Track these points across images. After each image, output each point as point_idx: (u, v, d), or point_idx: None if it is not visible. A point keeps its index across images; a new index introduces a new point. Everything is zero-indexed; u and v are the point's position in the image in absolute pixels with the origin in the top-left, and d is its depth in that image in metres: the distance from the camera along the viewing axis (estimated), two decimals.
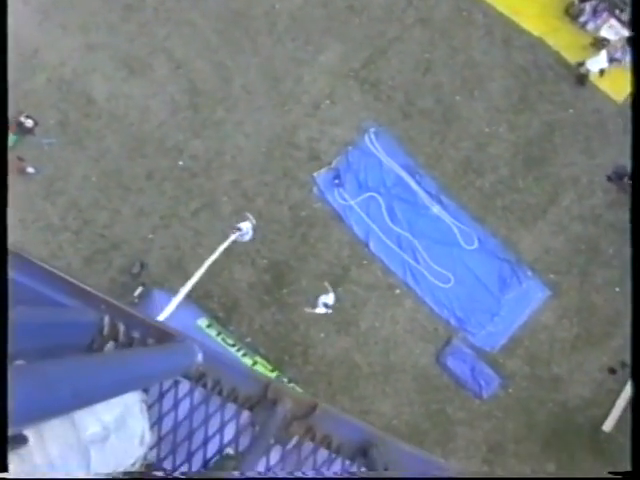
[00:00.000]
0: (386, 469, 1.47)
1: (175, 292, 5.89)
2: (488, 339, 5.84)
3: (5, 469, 0.72)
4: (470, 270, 5.85)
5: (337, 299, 5.87)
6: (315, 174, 5.94)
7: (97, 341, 1.33)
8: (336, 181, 5.90)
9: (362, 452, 1.51)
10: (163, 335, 1.42)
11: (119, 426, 1.22)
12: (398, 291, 5.88)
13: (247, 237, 5.52)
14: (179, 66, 6.25)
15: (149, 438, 1.37)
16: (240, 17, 6.24)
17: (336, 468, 1.55)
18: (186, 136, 6.12)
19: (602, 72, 6.06)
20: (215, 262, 5.92)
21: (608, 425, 5.80)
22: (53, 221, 6.22)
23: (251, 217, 5.65)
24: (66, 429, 1.04)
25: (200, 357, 1.42)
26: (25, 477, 0.80)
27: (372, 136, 5.94)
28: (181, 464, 1.52)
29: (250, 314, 5.89)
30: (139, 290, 5.94)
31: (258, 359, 5.54)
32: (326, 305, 5.63)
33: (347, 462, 1.53)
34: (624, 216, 6.04)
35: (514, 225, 5.92)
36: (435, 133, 5.98)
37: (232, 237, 5.25)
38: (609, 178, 6.04)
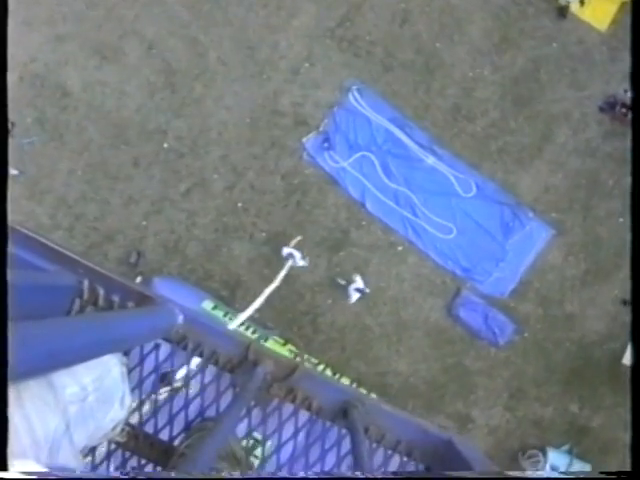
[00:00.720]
0: (367, 430, 1.49)
1: (174, 276, 5.80)
2: (497, 285, 5.75)
3: (5, 469, 0.71)
4: (471, 218, 5.75)
5: (339, 263, 5.78)
6: (304, 140, 5.81)
7: (76, 305, 1.31)
8: (326, 144, 5.77)
9: (343, 413, 1.52)
10: (143, 298, 1.40)
11: (97, 387, 1.20)
12: (400, 248, 5.78)
13: (302, 262, 5.41)
14: (151, 47, 6.08)
15: (130, 401, 1.37)
16: None
17: (317, 429, 1.57)
18: (167, 117, 5.97)
19: (582, 2, 5.92)
20: (212, 240, 5.82)
21: (627, 358, 5.74)
22: (43, 221, 6.09)
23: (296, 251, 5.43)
24: (44, 389, 1.02)
25: (180, 319, 1.41)
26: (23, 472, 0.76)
27: (356, 94, 5.80)
28: (163, 427, 1.54)
29: (254, 289, 5.78)
30: (138, 279, 5.83)
31: (270, 336, 5.44)
32: (359, 290, 5.51)
33: (328, 423, 1.55)
34: (621, 145, 5.94)
35: (511, 167, 5.81)
36: (419, 83, 5.84)
37: (288, 264, 5.17)
38: (601, 109, 5.93)
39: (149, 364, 1.50)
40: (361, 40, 5.89)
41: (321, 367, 5.35)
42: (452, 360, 5.74)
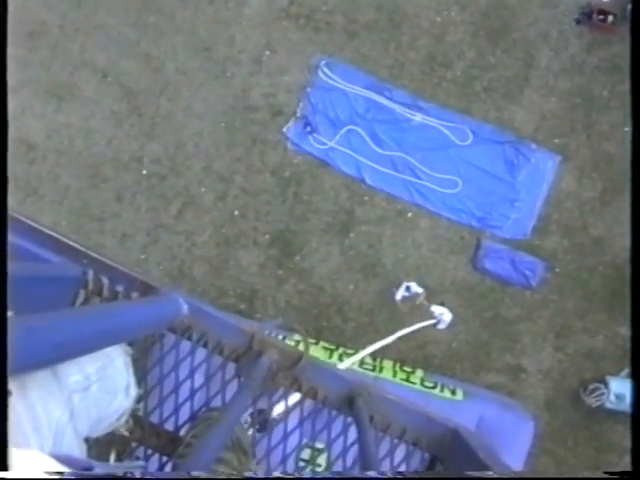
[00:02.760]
0: (372, 419, 1.48)
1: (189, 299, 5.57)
2: (516, 227, 5.53)
3: (5, 469, 0.66)
4: (474, 166, 5.51)
5: (352, 246, 5.56)
6: (284, 129, 5.56)
7: (81, 296, 1.31)
8: (308, 128, 5.52)
9: (348, 402, 1.51)
10: (147, 288, 1.41)
11: (101, 377, 1.20)
12: (410, 214, 5.55)
13: (443, 325, 5.20)
14: (105, 75, 5.81)
15: (135, 391, 1.37)
16: (148, 1, 5.78)
17: (323, 418, 1.57)
18: (140, 142, 5.72)
19: None
20: (217, 255, 5.60)
21: None
22: None
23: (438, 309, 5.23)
24: (48, 377, 1.02)
25: (185, 309, 1.42)
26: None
27: (326, 69, 5.53)
28: (168, 417, 1.55)
29: (271, 294, 5.57)
30: None
31: (304, 339, 5.22)
32: (408, 289, 5.26)
33: (334, 413, 1.54)
34: (606, 54, 5.67)
35: (501, 103, 5.55)
36: (388, 42, 5.57)
37: (425, 323, 4.96)
38: (578, 21, 5.65)
39: (154, 354, 1.50)
40: (318, 12, 5.61)
41: (358, 356, 5.12)
42: (489, 314, 5.54)
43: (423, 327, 4.97)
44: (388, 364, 5.25)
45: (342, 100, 5.52)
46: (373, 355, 5.30)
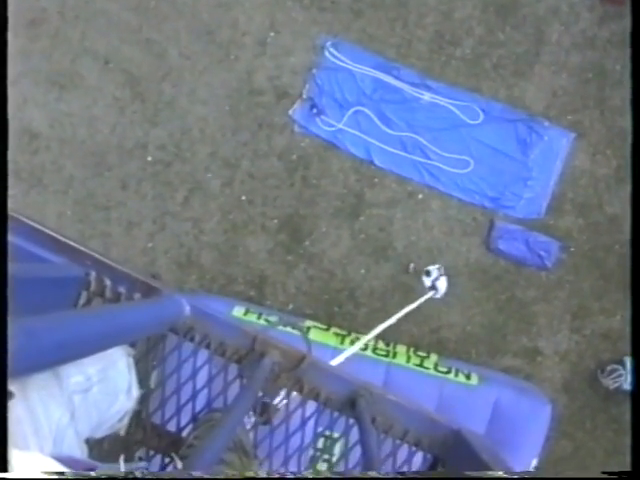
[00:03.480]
0: (374, 420, 1.47)
1: (195, 291, 5.49)
2: (530, 207, 5.41)
3: (5, 469, 0.65)
4: (485, 145, 5.39)
5: (362, 229, 5.45)
6: (290, 112, 5.45)
7: (83, 297, 1.31)
8: (314, 110, 5.40)
9: (350, 403, 1.51)
10: (149, 289, 1.39)
11: (102, 378, 1.19)
12: (421, 196, 5.43)
13: (439, 294, 5.10)
14: (107, 61, 5.71)
15: (136, 392, 1.36)
16: None
17: (324, 419, 1.57)
18: (144, 129, 5.62)
19: None
20: (225, 242, 5.50)
21: None
22: None
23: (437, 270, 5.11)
24: (48, 379, 1.01)
25: (188, 310, 1.41)
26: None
27: (331, 49, 5.41)
28: (170, 418, 1.57)
29: (281, 281, 5.47)
30: None
31: (312, 324, 5.13)
32: (434, 280, 5.18)
33: (336, 414, 1.54)
34: (618, 28, 5.54)
35: (512, 81, 5.43)
36: (394, 20, 5.44)
37: (425, 297, 4.92)
38: None
39: (156, 356, 1.50)
40: None
41: (372, 343, 5.02)
42: (504, 296, 5.43)
43: (425, 301, 4.85)
44: (402, 349, 5.16)
45: (349, 81, 5.40)
46: (387, 341, 5.21)
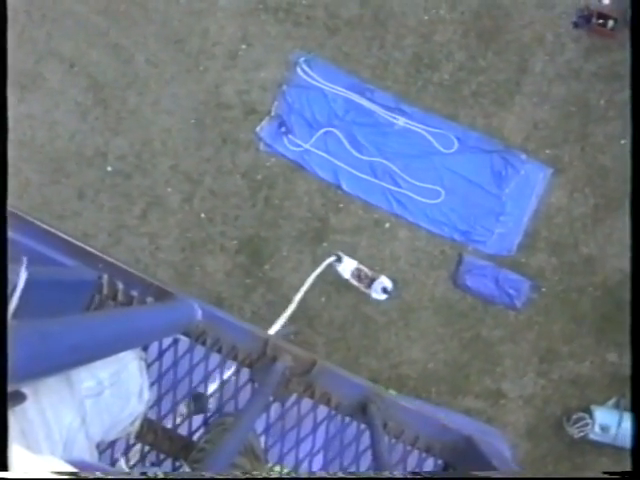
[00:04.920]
0: (385, 425, 1.48)
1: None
2: (501, 243, 5.17)
3: (5, 469, 0.64)
4: (458, 175, 5.16)
5: (325, 256, 5.20)
6: (257, 129, 5.22)
7: (96, 300, 1.31)
8: (282, 129, 5.17)
9: (361, 409, 1.51)
10: (162, 293, 1.40)
11: (114, 382, 1.19)
12: (388, 225, 5.20)
13: (345, 272, 4.72)
14: (72, 65, 5.48)
15: (148, 395, 1.36)
16: None
17: (335, 425, 1.57)
18: (105, 137, 5.39)
19: None
20: (182, 260, 5.27)
21: None
22: None
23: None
24: (60, 383, 0.99)
25: (200, 314, 1.41)
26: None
27: (304, 66, 5.19)
28: (181, 422, 1.55)
29: (238, 304, 5.24)
30: None
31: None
32: (385, 290, 4.83)
33: (347, 419, 1.55)
34: (605, 61, 5.31)
35: (491, 110, 5.20)
36: (372, 40, 5.22)
37: (327, 261, 4.53)
38: (576, 24, 5.28)
39: (168, 359, 1.49)
40: (298, 6, 5.26)
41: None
42: (469, 334, 5.19)
43: (326, 266, 4.50)
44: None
45: (320, 100, 5.17)
46: None
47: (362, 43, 5.22)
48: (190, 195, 5.26)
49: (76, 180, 5.37)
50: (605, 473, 0.89)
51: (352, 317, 5.20)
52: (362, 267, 4.87)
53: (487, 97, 5.20)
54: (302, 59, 5.18)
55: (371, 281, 4.99)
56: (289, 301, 5.21)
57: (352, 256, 5.14)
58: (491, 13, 5.25)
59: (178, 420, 1.61)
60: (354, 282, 4.93)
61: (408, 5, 5.19)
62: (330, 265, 5.08)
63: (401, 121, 5.13)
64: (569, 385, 5.27)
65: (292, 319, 5.15)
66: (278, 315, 5.10)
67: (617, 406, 5.27)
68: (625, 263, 5.27)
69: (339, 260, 4.81)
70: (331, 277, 5.19)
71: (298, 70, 5.18)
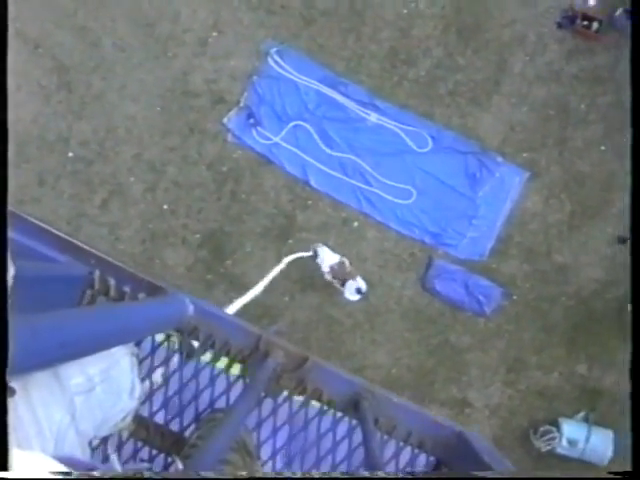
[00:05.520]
0: (377, 421, 1.48)
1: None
2: (473, 247, 5.01)
3: (5, 469, 0.64)
4: (431, 175, 4.98)
5: (290, 253, 5.03)
6: (225, 120, 5.03)
7: (87, 296, 1.31)
8: (251, 120, 4.99)
9: (353, 405, 1.51)
10: (154, 289, 1.40)
11: (105, 378, 1.18)
12: (356, 224, 5.03)
13: (324, 264, 4.53)
14: (37, 46, 5.28)
15: (140, 391, 1.36)
16: None
17: (327, 421, 1.57)
18: (68, 122, 5.19)
19: None
20: (142, 252, 5.08)
21: None
22: None
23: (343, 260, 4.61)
24: (50, 380, 1.00)
25: (192, 310, 1.40)
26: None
27: (276, 57, 5.00)
28: (173, 418, 1.56)
29: None
30: None
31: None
32: (359, 291, 4.67)
33: (338, 415, 1.55)
34: (588, 64, 5.15)
35: (467, 109, 5.02)
36: (347, 32, 5.03)
37: (298, 255, 4.36)
38: (559, 25, 5.11)
39: (159, 355, 1.50)
40: None
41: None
42: (436, 340, 5.03)
43: (301, 257, 4.37)
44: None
45: (291, 92, 4.99)
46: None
47: (337, 35, 5.04)
48: (153, 185, 5.07)
49: (37, 165, 5.18)
50: (610, 473, 0.88)
51: (316, 318, 5.02)
52: (345, 261, 4.71)
53: (464, 96, 5.03)
54: (274, 49, 5.00)
55: (344, 281, 4.84)
56: (252, 299, 5.04)
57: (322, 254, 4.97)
58: (472, 9, 5.07)
59: None
60: (329, 277, 4.77)
61: None
62: (300, 260, 4.92)
63: (374, 117, 4.96)
64: (537, 396, 5.11)
65: (254, 319, 4.97)
66: (239, 313, 4.93)
67: (586, 420, 5.11)
68: (600, 273, 5.11)
69: (315, 256, 4.64)
70: (295, 275, 5.02)
71: (270, 60, 4.99)
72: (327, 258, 4.63)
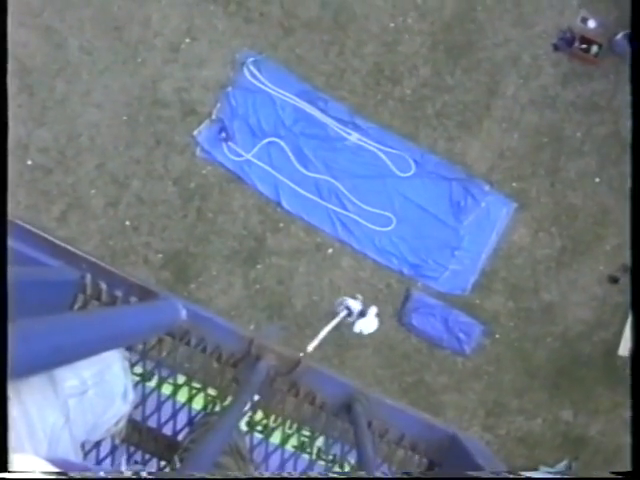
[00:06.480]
0: (370, 424, 1.49)
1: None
2: (455, 281, 4.68)
3: (5, 469, 0.66)
4: (413, 202, 4.66)
5: (258, 279, 4.69)
6: (195, 132, 4.70)
7: (79, 301, 1.31)
8: (222, 134, 4.66)
9: (346, 407, 1.51)
10: (146, 293, 1.40)
11: (97, 382, 1.18)
12: (331, 250, 4.69)
13: (355, 323, 3.98)
14: None
15: (133, 396, 1.37)
16: None
17: (319, 424, 1.59)
18: (28, 128, 4.86)
19: None
20: None
21: (624, 347, 4.68)
22: None
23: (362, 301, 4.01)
24: (43, 382, 0.99)
25: (184, 314, 1.38)
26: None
27: (252, 68, 4.67)
28: (166, 422, 1.58)
29: None
30: None
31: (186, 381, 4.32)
32: (362, 314, 4.10)
33: (331, 418, 1.56)
34: (584, 89, 4.84)
35: (454, 133, 4.70)
36: (330, 44, 4.71)
37: (337, 319, 3.80)
38: (556, 47, 4.80)
39: (152, 359, 1.51)
40: (252, 0, 4.75)
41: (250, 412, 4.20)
42: (411, 379, 4.69)
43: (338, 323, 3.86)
44: (287, 422, 4.37)
45: (267, 106, 4.66)
46: (268, 411, 4.43)
47: (319, 47, 4.71)
48: (115, 199, 4.73)
49: None
50: (612, 473, 0.87)
51: None
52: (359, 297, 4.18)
53: (452, 119, 4.71)
54: (251, 59, 4.67)
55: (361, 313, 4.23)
56: None
57: (290, 282, 4.66)
58: (464, 27, 4.76)
59: None
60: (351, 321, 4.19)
61: (373, 9, 4.69)
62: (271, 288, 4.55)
63: (354, 137, 4.63)
64: (517, 443, 4.78)
65: None
66: None
67: (569, 469, 4.78)
68: (588, 313, 4.79)
69: (348, 314, 4.07)
70: (263, 303, 4.69)
71: (245, 71, 4.67)
72: (355, 306, 4.06)
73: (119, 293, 1.37)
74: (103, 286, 1.35)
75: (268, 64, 4.69)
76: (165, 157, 4.71)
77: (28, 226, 1.29)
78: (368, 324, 4.11)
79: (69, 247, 1.34)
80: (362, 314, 4.17)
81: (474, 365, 4.66)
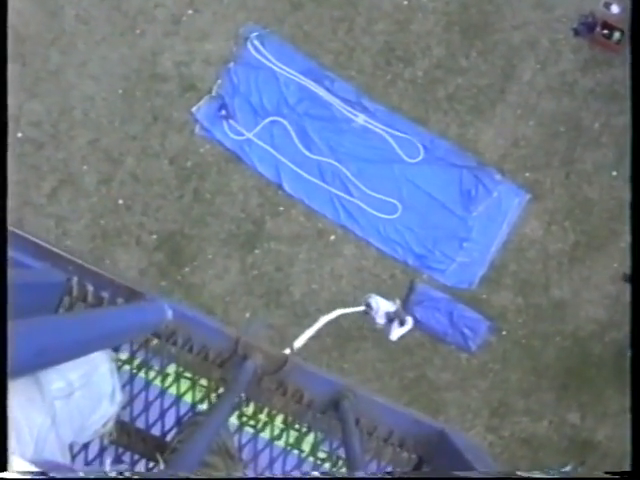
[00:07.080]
0: (358, 421, 1.50)
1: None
2: (462, 273, 4.46)
3: (5, 469, 0.67)
4: (421, 189, 4.44)
5: (256, 264, 4.48)
6: (194, 109, 4.49)
7: (65, 302, 1.33)
8: (223, 112, 4.44)
9: (334, 405, 1.53)
10: (132, 294, 1.42)
11: (84, 384, 1.19)
12: (333, 237, 4.48)
13: (381, 321, 3.63)
14: None
15: (120, 397, 1.37)
16: None
17: (306, 422, 1.60)
18: (20, 99, 4.64)
19: None
20: (91, 250, 4.53)
21: None
22: None
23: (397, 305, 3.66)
24: (29, 384, 1.00)
25: (170, 315, 1.42)
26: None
27: (256, 42, 4.45)
28: (154, 422, 1.58)
29: None
30: None
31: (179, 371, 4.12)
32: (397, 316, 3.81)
33: (319, 415, 1.57)
34: (604, 78, 4.61)
35: (467, 118, 4.48)
36: (339, 21, 4.49)
37: (354, 309, 3.50)
38: (576, 32, 4.57)
39: (139, 360, 1.53)
40: None
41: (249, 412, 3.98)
42: (412, 374, 4.49)
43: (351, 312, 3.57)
44: (277, 419, 4.17)
45: (271, 83, 4.44)
46: (260, 405, 4.22)
47: (327, 23, 4.49)
48: (109, 177, 4.52)
49: None
50: (607, 473, 0.89)
51: (279, 339, 4.46)
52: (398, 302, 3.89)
53: (464, 103, 4.49)
54: (255, 34, 4.45)
55: (402, 321, 4.00)
56: (209, 312, 4.48)
57: (289, 269, 4.45)
58: (481, 7, 4.53)
59: None
60: (381, 321, 3.96)
61: None
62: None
63: (361, 119, 4.41)
64: (521, 444, 4.57)
65: None
66: None
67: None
68: (600, 312, 4.57)
69: (367, 310, 3.79)
70: (260, 289, 4.48)
71: (249, 46, 4.44)
72: (383, 307, 3.79)
73: (106, 295, 1.38)
74: (90, 288, 1.36)
75: (273, 39, 4.46)
76: (162, 134, 4.49)
77: (13, 228, 1.26)
78: (402, 331, 3.90)
79: (55, 249, 1.35)
80: (402, 323, 3.92)
81: (479, 362, 4.46)
